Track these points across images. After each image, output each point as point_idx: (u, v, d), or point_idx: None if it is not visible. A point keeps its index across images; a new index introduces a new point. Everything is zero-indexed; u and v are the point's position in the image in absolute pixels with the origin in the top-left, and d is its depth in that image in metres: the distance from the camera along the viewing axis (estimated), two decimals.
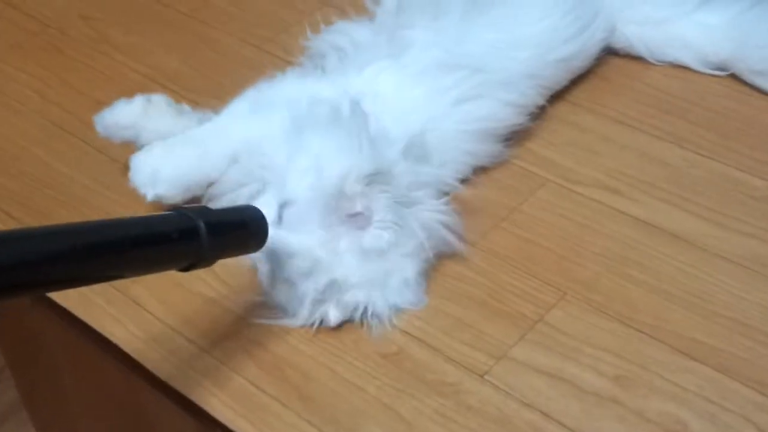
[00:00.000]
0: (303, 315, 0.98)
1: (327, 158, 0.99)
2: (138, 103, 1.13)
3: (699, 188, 1.12)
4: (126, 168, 1.08)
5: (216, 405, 0.93)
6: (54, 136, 1.26)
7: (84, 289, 1.05)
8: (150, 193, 1.05)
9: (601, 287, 1.02)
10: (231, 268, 1.03)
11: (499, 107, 1.14)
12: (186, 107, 1.17)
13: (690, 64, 1.27)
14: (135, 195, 1.12)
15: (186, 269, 0.87)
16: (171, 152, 1.07)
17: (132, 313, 1.03)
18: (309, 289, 0.97)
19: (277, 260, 0.97)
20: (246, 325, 1.00)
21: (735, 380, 0.93)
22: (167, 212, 0.87)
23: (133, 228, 0.82)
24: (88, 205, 1.15)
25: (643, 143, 1.18)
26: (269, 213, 0.96)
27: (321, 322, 0.98)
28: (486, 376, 0.95)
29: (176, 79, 1.33)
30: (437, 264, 1.05)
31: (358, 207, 0.98)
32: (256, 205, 0.95)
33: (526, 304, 1.01)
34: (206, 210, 0.89)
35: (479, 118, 1.13)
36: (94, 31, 1.44)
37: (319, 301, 0.97)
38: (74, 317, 1.03)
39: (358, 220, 0.98)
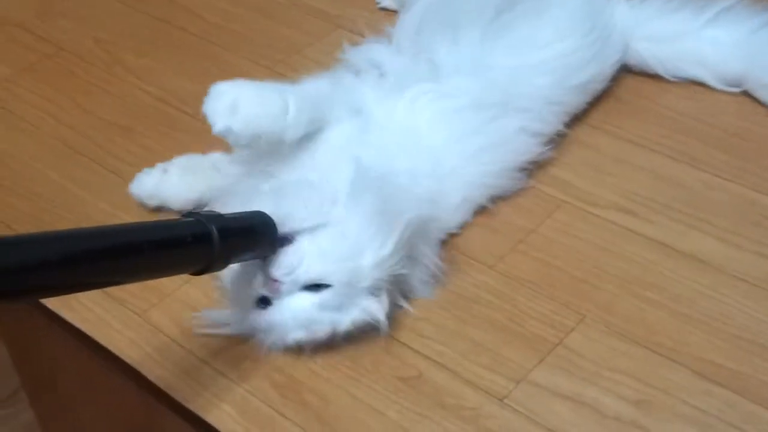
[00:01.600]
0: (248, 330, 0.99)
1: (365, 251, 0.97)
2: (155, 174, 1.14)
3: (715, 210, 1.12)
4: None
5: (235, 429, 0.93)
6: (68, 158, 1.26)
7: (101, 313, 1.05)
8: (221, 123, 0.99)
9: (619, 310, 1.02)
10: None
11: (523, 140, 1.14)
12: (209, 164, 1.15)
13: (705, 79, 1.28)
14: (145, 216, 1.13)
15: (199, 273, 0.90)
16: (258, 93, 1.02)
17: (149, 336, 1.03)
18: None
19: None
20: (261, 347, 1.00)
21: (756, 403, 0.92)
22: (181, 218, 0.90)
23: (149, 232, 0.86)
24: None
25: (658, 165, 1.18)
26: (304, 279, 0.96)
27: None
28: (506, 400, 0.94)
29: (189, 100, 1.33)
30: (456, 288, 1.05)
31: (375, 309, 0.98)
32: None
33: (545, 327, 1.01)
34: (218, 216, 0.92)
35: (503, 156, 1.13)
36: (107, 53, 1.44)
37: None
38: (91, 339, 1.03)
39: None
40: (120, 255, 0.81)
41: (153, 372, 0.99)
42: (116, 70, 1.41)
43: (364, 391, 0.96)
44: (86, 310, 1.05)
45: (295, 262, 0.95)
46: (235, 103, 0.99)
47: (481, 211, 1.12)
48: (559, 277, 1.06)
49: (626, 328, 1.00)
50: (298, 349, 0.99)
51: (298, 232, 0.96)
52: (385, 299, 0.98)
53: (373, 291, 0.98)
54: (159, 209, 1.15)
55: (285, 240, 0.96)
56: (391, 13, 1.44)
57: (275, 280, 0.95)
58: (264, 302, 0.97)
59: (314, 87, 1.10)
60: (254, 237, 0.94)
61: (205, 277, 0.94)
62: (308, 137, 1.05)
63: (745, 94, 1.27)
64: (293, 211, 0.98)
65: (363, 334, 1.00)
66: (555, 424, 0.92)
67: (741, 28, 1.25)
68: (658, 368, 0.96)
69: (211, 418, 0.94)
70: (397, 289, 1.01)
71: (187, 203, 1.13)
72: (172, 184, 1.13)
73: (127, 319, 1.04)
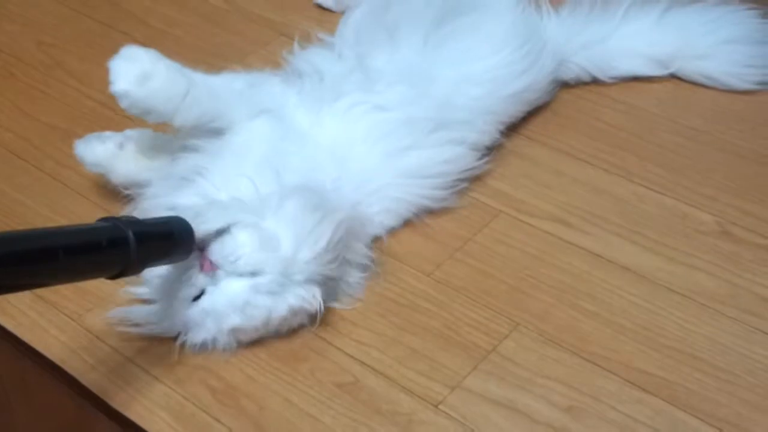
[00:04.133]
0: (175, 328, 1.00)
1: (302, 246, 0.99)
2: (110, 145, 1.13)
3: (648, 222, 1.14)
4: (79, 195, 1.07)
5: None
6: (7, 163, 1.25)
7: (36, 317, 1.04)
8: (123, 85, 1.00)
9: (553, 318, 1.03)
10: None
11: (459, 153, 1.16)
12: (163, 146, 1.14)
13: (639, 70, 1.34)
14: (85, 221, 1.12)
15: (115, 277, 0.89)
16: (168, 71, 1.04)
17: (84, 341, 1.02)
18: (211, 328, 0.98)
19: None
20: (200, 354, 1.00)
21: (685, 411, 0.94)
22: (97, 222, 0.90)
23: (63, 237, 0.85)
24: None
25: (594, 177, 1.20)
26: (244, 268, 0.97)
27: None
28: (440, 406, 0.95)
29: None
30: (393, 295, 1.06)
31: (310, 297, 0.99)
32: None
33: (480, 334, 1.02)
34: (135, 220, 0.92)
35: (439, 172, 1.14)
36: (49, 57, 1.43)
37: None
38: (25, 344, 1.03)
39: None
40: (35, 259, 0.81)
41: (88, 377, 0.99)
42: (57, 74, 1.40)
43: (300, 397, 0.96)
44: (21, 314, 1.05)
45: (234, 249, 0.96)
46: (146, 74, 1.01)
47: (418, 219, 1.14)
48: (495, 285, 1.07)
49: (559, 337, 1.01)
50: (234, 353, 1.00)
51: (234, 225, 0.98)
52: (319, 291, 0.99)
53: (308, 283, 0.99)
54: (81, 174, 1.14)
55: (221, 231, 0.97)
56: (335, 19, 1.44)
57: (212, 263, 0.96)
58: (196, 296, 0.98)
59: (224, 83, 1.11)
60: (171, 242, 0.94)
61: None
62: (216, 132, 1.07)
63: (678, 106, 1.30)
64: (228, 205, 1.00)
65: (299, 339, 1.01)
66: (488, 430, 0.93)
67: (651, 14, 1.33)
68: (589, 376, 0.98)
69: (147, 424, 0.94)
70: (331, 285, 1.02)
71: (129, 183, 1.12)
72: (124, 162, 1.12)
73: (62, 324, 1.04)
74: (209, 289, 0.97)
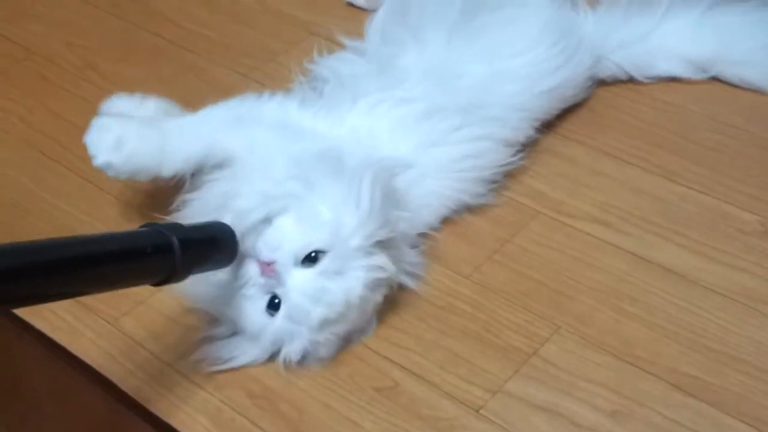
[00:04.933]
0: (267, 348, 0.98)
1: (343, 211, 0.98)
2: (132, 99, 1.15)
3: (690, 222, 1.12)
4: (112, 197, 1.07)
5: None
6: (40, 164, 1.25)
7: (73, 321, 1.04)
8: (103, 157, 1.03)
9: (594, 321, 1.02)
10: None
11: (492, 149, 1.15)
12: (179, 112, 1.15)
13: (677, 72, 1.31)
14: (122, 222, 1.12)
15: (159, 283, 0.89)
16: (140, 130, 1.05)
17: (121, 344, 1.02)
18: (306, 334, 0.96)
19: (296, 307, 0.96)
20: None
21: (729, 415, 0.93)
22: (141, 228, 0.89)
23: (109, 243, 0.85)
24: (75, 234, 1.13)
25: (633, 177, 1.18)
26: (292, 250, 0.96)
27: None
28: (481, 411, 0.94)
29: None
30: (431, 298, 1.05)
31: (389, 274, 0.99)
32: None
33: (520, 337, 1.01)
34: (179, 226, 0.91)
35: (472, 166, 1.13)
36: (80, 58, 1.43)
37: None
38: (62, 348, 1.02)
39: (377, 282, 0.99)
40: (79, 267, 0.80)
41: (125, 382, 0.98)
42: (88, 75, 1.40)
43: (339, 402, 0.95)
44: (58, 318, 1.04)
45: (277, 236, 0.96)
46: (120, 139, 1.03)
47: (456, 221, 1.12)
48: (534, 287, 1.06)
49: (601, 340, 1.00)
50: (273, 359, 0.99)
51: (271, 216, 0.97)
52: (384, 256, 0.98)
53: (369, 251, 0.98)
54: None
55: (260, 226, 0.97)
56: (365, 18, 1.43)
57: (267, 263, 0.95)
58: (272, 307, 0.96)
59: (203, 119, 1.10)
60: (215, 246, 0.94)
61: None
62: (223, 166, 1.06)
63: (719, 104, 1.28)
64: (260, 200, 0.99)
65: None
66: None
67: (693, 13, 1.30)
68: (632, 380, 0.96)
69: (186, 429, 0.94)
70: (393, 255, 1.01)
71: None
72: (144, 114, 1.13)
73: (99, 328, 1.03)
74: (281, 294, 0.96)
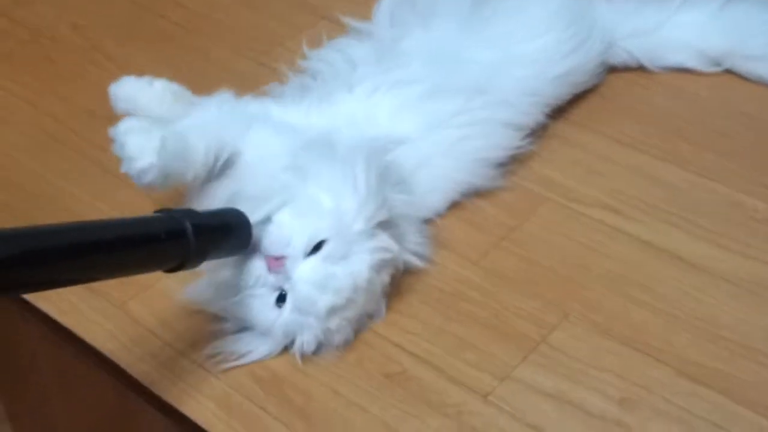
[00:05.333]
0: (281, 341, 0.97)
1: (342, 196, 0.97)
2: (141, 81, 1.12)
3: (701, 210, 1.11)
4: (120, 181, 1.05)
5: (217, 425, 0.92)
6: (46, 147, 1.24)
7: (79, 304, 1.03)
8: (145, 160, 0.98)
9: (604, 308, 1.01)
10: None
11: (499, 132, 1.14)
12: (188, 96, 1.13)
13: (689, 63, 1.30)
14: (129, 207, 1.11)
15: (172, 270, 0.88)
16: (177, 134, 1.01)
17: (128, 327, 1.01)
18: (315, 324, 0.95)
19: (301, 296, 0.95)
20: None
21: (740, 404, 0.92)
22: (155, 214, 0.88)
23: (122, 228, 0.84)
24: (82, 218, 1.12)
25: (644, 163, 1.18)
26: (302, 244, 0.95)
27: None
28: (490, 397, 0.94)
29: None
30: (439, 284, 1.04)
31: (393, 254, 0.98)
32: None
33: (529, 324, 1.00)
34: (192, 212, 0.90)
35: (478, 148, 1.12)
36: (86, 40, 1.42)
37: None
38: (68, 331, 1.02)
39: (382, 263, 0.98)
40: (91, 252, 0.79)
41: (131, 365, 0.98)
42: (95, 58, 1.39)
43: (347, 387, 0.95)
44: (64, 301, 1.04)
45: (282, 232, 0.95)
46: (162, 143, 0.98)
47: (464, 206, 1.12)
48: (543, 274, 1.05)
49: (611, 327, 0.99)
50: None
51: (271, 213, 0.96)
52: (386, 235, 0.98)
53: (371, 233, 0.97)
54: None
55: (261, 224, 0.96)
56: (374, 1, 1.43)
57: (277, 258, 0.94)
58: (281, 300, 0.96)
59: (208, 120, 1.07)
60: (229, 233, 0.93)
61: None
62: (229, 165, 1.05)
63: (731, 92, 1.27)
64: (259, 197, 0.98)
65: None
66: (538, 422, 0.91)
67: (711, 5, 1.28)
68: (642, 367, 0.96)
69: (191, 412, 0.93)
70: (395, 234, 1.00)
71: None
72: (153, 97, 1.10)
73: (105, 311, 1.03)
74: (288, 287, 0.95)
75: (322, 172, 0.99)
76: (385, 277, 0.99)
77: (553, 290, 1.03)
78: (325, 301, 0.94)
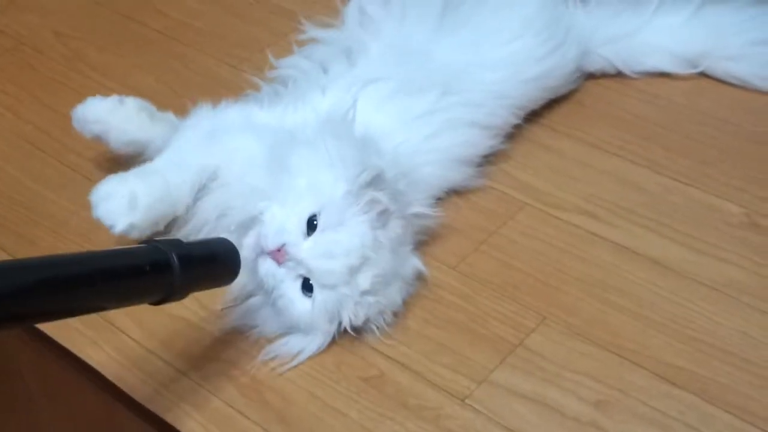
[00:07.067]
0: (327, 329, 0.98)
1: (317, 171, 0.99)
2: (110, 101, 1.12)
3: (676, 214, 1.13)
4: None
5: (194, 428, 0.92)
6: (27, 155, 1.24)
7: None
8: (123, 222, 1.00)
9: (581, 312, 1.02)
10: (209, 291, 1.02)
11: (469, 131, 1.15)
12: (161, 114, 1.15)
13: (665, 67, 1.32)
14: None
15: (158, 303, 0.85)
16: (143, 179, 1.02)
17: (109, 336, 1.01)
18: (348, 292, 0.96)
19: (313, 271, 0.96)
20: (224, 348, 1.00)
21: (715, 406, 0.93)
22: (139, 245, 0.85)
23: (104, 261, 0.81)
24: (64, 226, 1.14)
25: (620, 169, 1.19)
26: (295, 227, 0.96)
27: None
28: (467, 400, 0.94)
29: (151, 97, 1.28)
30: (418, 288, 1.04)
31: (385, 205, 0.98)
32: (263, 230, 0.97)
33: (506, 328, 1.01)
34: (178, 242, 0.88)
35: (450, 145, 1.13)
36: (69, 49, 1.43)
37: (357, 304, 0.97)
38: (51, 340, 1.02)
39: (381, 217, 0.99)
40: (71, 287, 0.76)
41: (113, 372, 0.98)
42: (78, 66, 1.40)
43: (325, 391, 0.95)
44: None
45: (274, 224, 0.97)
46: (132, 198, 0.99)
47: (442, 210, 1.12)
48: (521, 278, 1.06)
49: (587, 330, 1.00)
50: (260, 349, 0.99)
51: (260, 212, 0.98)
52: (373, 191, 0.98)
53: (358, 194, 0.98)
54: (100, 164, 1.12)
55: (253, 222, 0.98)
56: None
57: (277, 249, 0.96)
58: (307, 289, 0.97)
59: (184, 149, 1.07)
60: (216, 264, 0.91)
61: None
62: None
63: (705, 97, 1.29)
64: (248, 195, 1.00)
65: None
66: (515, 425, 0.92)
67: (687, 8, 1.30)
68: (618, 370, 0.97)
69: (172, 419, 0.93)
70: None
71: (129, 142, 1.12)
72: (125, 117, 1.11)
73: (88, 320, 1.03)
74: (303, 271, 0.96)
75: (293, 160, 1.00)
76: (395, 229, 1.00)
77: (531, 294, 1.04)
78: (339, 265, 0.95)
